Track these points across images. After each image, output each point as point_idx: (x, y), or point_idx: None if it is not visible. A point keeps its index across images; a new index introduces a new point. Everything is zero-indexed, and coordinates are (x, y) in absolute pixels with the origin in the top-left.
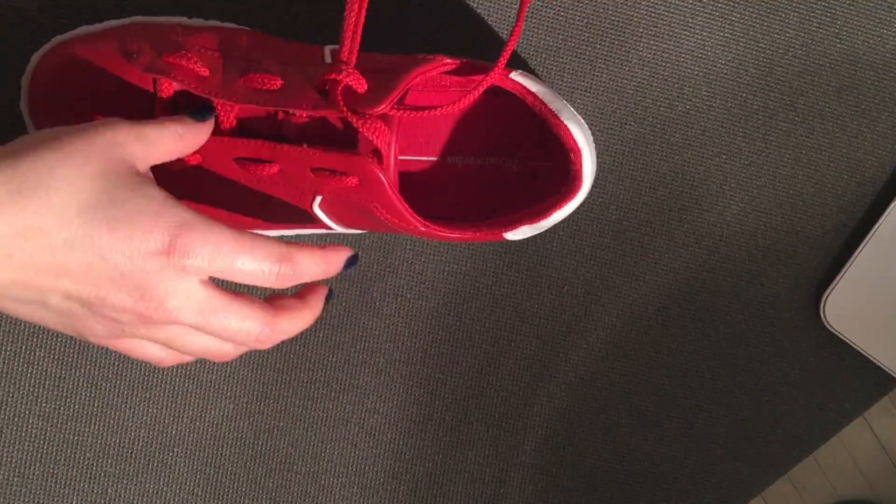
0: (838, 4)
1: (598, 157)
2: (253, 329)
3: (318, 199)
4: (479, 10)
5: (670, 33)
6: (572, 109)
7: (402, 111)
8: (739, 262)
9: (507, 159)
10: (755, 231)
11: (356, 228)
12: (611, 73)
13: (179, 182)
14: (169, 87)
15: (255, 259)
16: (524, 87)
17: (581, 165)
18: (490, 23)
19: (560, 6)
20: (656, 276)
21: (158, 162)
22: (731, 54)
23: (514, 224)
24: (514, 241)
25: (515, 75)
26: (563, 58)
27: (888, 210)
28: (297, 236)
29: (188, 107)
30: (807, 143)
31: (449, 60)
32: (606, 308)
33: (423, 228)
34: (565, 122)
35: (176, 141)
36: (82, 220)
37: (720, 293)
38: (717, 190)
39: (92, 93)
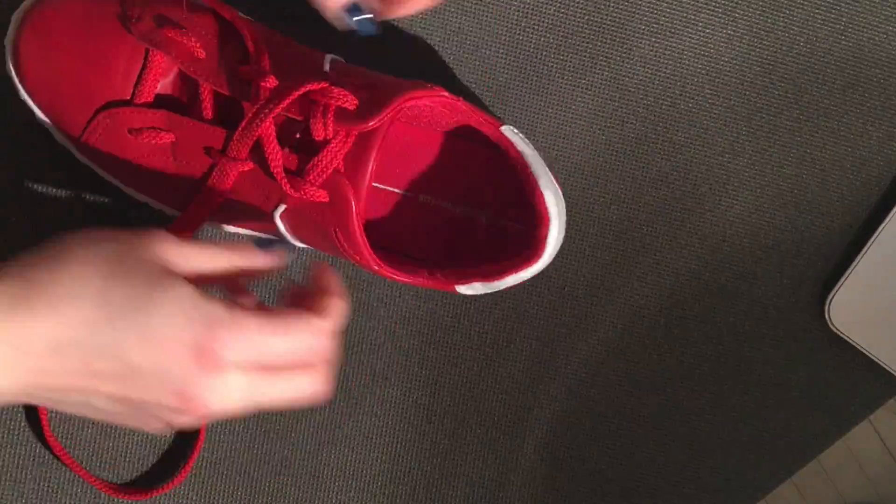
0: (843, 1)
1: (599, 155)
2: (310, 382)
3: (282, 207)
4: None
5: (672, 31)
6: (551, 178)
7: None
8: (743, 262)
9: (478, 211)
10: (759, 231)
11: (309, 245)
12: (612, 71)
13: (149, 157)
14: (159, 64)
15: (291, 346)
16: (511, 144)
17: (547, 235)
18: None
19: (561, 3)
20: (658, 277)
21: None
22: (734, 52)
23: (468, 279)
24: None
25: (506, 130)
26: (564, 56)
27: (894, 210)
28: (250, 236)
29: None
30: (811, 142)
31: (446, 94)
32: (607, 309)
33: (375, 267)
34: (542, 189)
35: (223, 264)
36: (113, 330)
37: (723, 294)
38: (721, 189)
39: (80, 46)
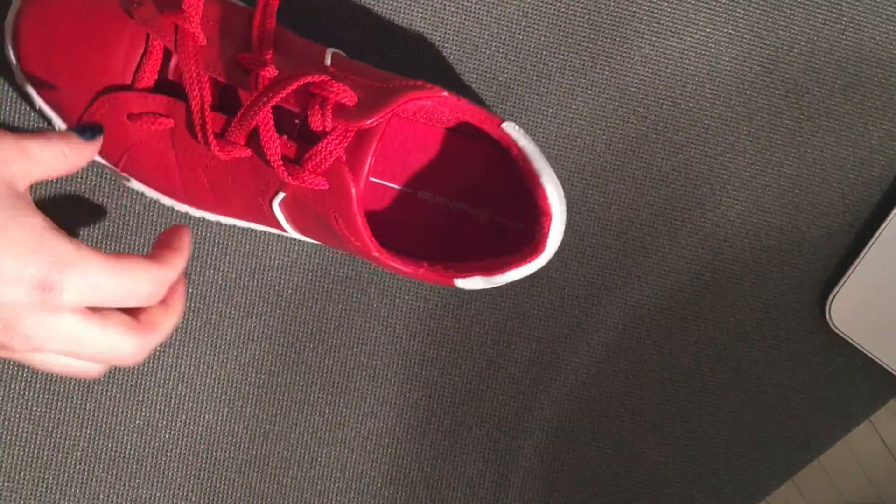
0: (844, 0)
1: (599, 155)
2: (123, 350)
3: (281, 196)
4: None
5: (673, 30)
6: (553, 173)
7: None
8: (743, 262)
9: (477, 208)
10: (759, 231)
11: (310, 238)
12: (612, 70)
13: (147, 143)
14: (159, 50)
15: (129, 292)
16: (511, 140)
17: (549, 230)
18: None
19: (561, 3)
20: (659, 277)
21: (37, 181)
22: (735, 51)
23: (468, 272)
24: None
25: (507, 126)
26: (564, 55)
27: (895, 210)
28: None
29: (162, 86)
30: (812, 142)
31: (446, 94)
32: (608, 309)
33: (375, 254)
34: (544, 184)
35: (60, 160)
36: None
37: (724, 294)
38: (721, 189)
39: (81, 31)
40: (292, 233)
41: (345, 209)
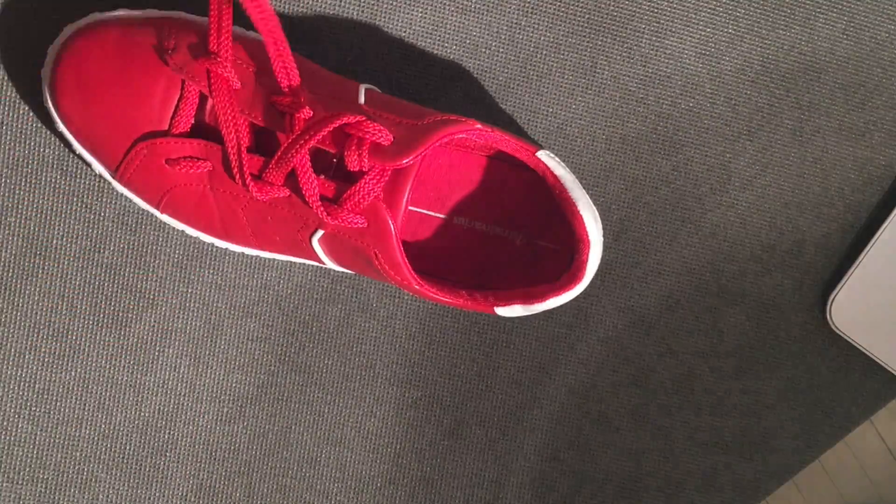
0: (845, 0)
1: (599, 155)
2: None
3: (320, 233)
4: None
5: (673, 29)
6: (590, 200)
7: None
8: (744, 262)
9: (513, 232)
10: (759, 231)
11: (349, 269)
12: (613, 69)
13: (186, 186)
14: (195, 95)
15: None
16: (547, 168)
17: (588, 258)
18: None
19: (561, 2)
20: (659, 277)
21: None
22: (736, 51)
23: (508, 301)
24: None
25: (542, 154)
26: (564, 54)
27: (895, 210)
28: (290, 262)
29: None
30: (812, 142)
31: (479, 126)
32: (607, 309)
33: (416, 286)
34: (581, 212)
35: None
36: None
37: (724, 294)
38: (721, 189)
39: (117, 79)
40: (331, 265)
41: (384, 246)
